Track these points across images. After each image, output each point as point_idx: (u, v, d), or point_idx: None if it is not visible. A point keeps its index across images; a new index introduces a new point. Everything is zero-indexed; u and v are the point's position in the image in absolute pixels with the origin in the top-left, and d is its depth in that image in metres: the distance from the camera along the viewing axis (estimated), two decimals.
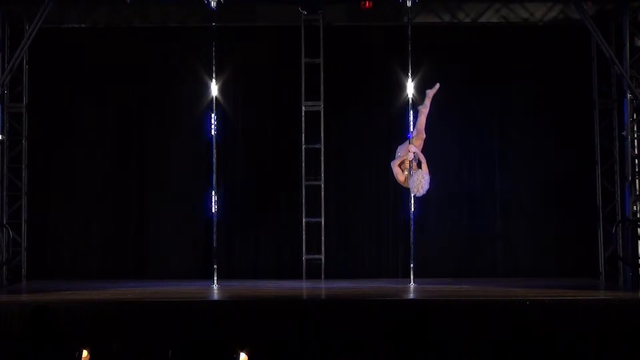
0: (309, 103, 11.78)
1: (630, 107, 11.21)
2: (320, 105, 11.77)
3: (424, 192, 9.37)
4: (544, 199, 12.02)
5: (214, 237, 11.00)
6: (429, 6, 11.83)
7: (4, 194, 11.59)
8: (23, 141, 11.81)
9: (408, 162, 9.58)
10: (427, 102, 9.74)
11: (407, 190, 10.43)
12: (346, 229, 12.03)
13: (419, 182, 9.31)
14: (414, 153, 9.48)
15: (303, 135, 11.75)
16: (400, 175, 9.53)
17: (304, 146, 11.74)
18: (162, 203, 11.99)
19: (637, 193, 11.23)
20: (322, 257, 11.70)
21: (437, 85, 9.73)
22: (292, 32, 11.81)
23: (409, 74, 10.94)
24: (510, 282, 10.71)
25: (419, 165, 9.45)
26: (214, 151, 11.05)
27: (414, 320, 6.82)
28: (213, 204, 11.01)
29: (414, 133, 9.69)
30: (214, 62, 11.09)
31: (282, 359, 6.87)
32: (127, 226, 12.01)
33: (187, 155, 11.99)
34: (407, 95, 10.94)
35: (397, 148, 10.40)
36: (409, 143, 9.58)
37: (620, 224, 11.31)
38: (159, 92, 12.07)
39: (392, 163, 9.65)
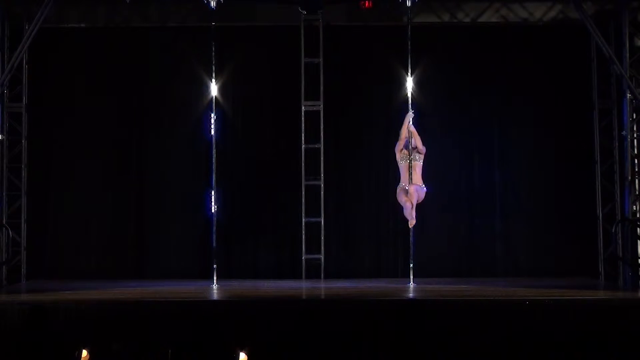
0: (309, 103, 11.77)
1: (629, 107, 11.22)
2: (319, 105, 11.76)
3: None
4: (544, 199, 12.02)
5: (214, 237, 10.99)
6: (428, 6, 11.82)
7: (4, 193, 11.60)
8: (23, 141, 11.81)
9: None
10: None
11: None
12: (346, 229, 12.03)
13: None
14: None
15: (303, 135, 11.74)
16: (404, 196, 10.37)
17: (303, 146, 11.73)
18: (161, 203, 11.99)
19: (637, 193, 11.24)
20: (322, 257, 11.69)
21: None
22: (292, 32, 11.81)
23: (409, 74, 10.92)
24: (510, 282, 10.71)
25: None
26: (214, 151, 11.04)
27: (414, 320, 6.83)
28: (213, 204, 11.00)
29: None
30: (213, 62, 11.08)
31: (281, 359, 6.87)
32: (127, 226, 12.01)
33: (186, 155, 11.99)
34: (407, 95, 10.92)
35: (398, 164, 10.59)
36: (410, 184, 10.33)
37: (619, 224, 11.31)
38: (159, 92, 12.07)
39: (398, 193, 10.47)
